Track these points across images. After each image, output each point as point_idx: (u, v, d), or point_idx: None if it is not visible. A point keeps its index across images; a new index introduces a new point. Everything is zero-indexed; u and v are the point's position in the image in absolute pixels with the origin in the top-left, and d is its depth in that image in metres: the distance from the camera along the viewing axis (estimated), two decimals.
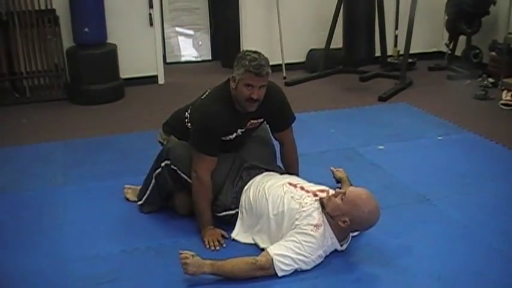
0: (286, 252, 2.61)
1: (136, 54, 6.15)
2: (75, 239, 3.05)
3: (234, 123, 3.02)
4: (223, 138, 3.01)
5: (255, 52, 2.92)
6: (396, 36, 6.90)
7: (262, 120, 3.13)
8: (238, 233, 2.99)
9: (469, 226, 3.12)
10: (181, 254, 2.58)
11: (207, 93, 3.12)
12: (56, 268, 2.77)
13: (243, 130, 3.08)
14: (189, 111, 3.19)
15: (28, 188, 3.69)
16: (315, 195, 2.81)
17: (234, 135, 3.06)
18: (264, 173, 3.13)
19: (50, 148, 4.42)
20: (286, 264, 2.60)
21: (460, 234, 3.06)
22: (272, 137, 3.32)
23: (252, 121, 3.07)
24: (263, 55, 2.91)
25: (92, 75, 5.64)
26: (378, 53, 6.54)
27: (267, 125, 3.25)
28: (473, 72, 6.17)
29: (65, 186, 3.72)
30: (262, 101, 2.95)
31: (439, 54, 7.00)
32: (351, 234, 2.84)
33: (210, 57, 7.58)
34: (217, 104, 2.96)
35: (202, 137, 2.95)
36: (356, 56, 6.17)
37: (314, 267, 2.67)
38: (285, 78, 6.29)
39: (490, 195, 3.49)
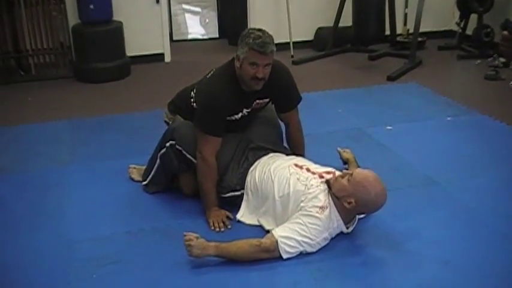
0: (291, 234, 2.58)
1: (143, 31, 6.09)
2: (79, 219, 3.03)
3: (239, 103, 2.97)
4: (228, 118, 2.97)
5: (259, 30, 2.86)
6: (406, 15, 6.82)
7: (268, 100, 3.09)
8: (243, 214, 2.97)
9: (478, 210, 3.08)
10: (185, 236, 2.56)
11: (211, 72, 3.07)
12: (60, 249, 2.76)
13: (249, 110, 3.04)
14: (194, 90, 3.15)
15: (33, 168, 3.67)
16: (321, 177, 2.78)
17: (240, 115, 3.02)
18: (270, 154, 3.09)
19: (55, 127, 4.40)
20: (291, 247, 2.58)
21: (468, 218, 3.01)
22: (278, 117, 3.27)
23: (257, 101, 3.03)
24: (267, 32, 2.85)
25: (97, 53, 5.61)
26: (387, 32, 6.45)
27: (273, 106, 3.20)
28: (484, 51, 6.09)
29: (70, 165, 3.71)
30: (269, 81, 2.90)
31: (449, 33, 6.91)
32: (357, 217, 2.81)
33: (217, 35, 7.51)
34: (222, 83, 2.92)
35: (207, 117, 2.91)
36: (366, 35, 6.04)
37: (319, 249, 2.65)
38: (292, 56, 6.24)
39: (499, 178, 3.45)
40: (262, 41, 2.77)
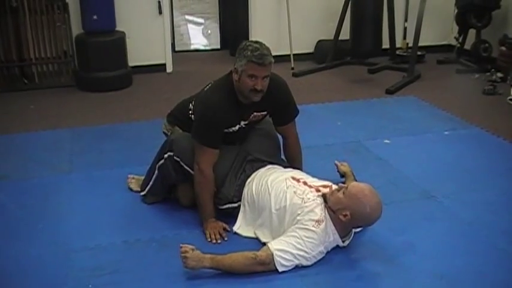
0: (287, 247, 2.60)
1: (145, 42, 6.13)
2: (78, 228, 3.06)
3: (236, 116, 3.00)
4: (226, 130, 3.00)
5: (257, 42, 2.89)
6: (405, 29, 6.85)
7: (265, 113, 3.12)
8: (240, 226, 2.99)
9: (474, 224, 3.09)
10: (181, 247, 2.57)
11: (209, 85, 3.10)
12: (57, 257, 2.78)
13: (246, 122, 3.06)
14: (193, 102, 3.18)
15: (33, 176, 3.70)
16: (318, 190, 2.80)
17: (237, 127, 3.04)
18: (268, 166, 3.11)
19: (56, 135, 4.43)
20: (287, 260, 2.59)
21: (464, 232, 3.03)
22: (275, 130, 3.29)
23: (255, 113, 3.06)
24: (265, 45, 2.87)
25: (100, 62, 5.64)
26: (386, 45, 6.50)
27: (270, 118, 3.22)
28: (482, 66, 6.12)
29: (70, 174, 3.73)
30: (267, 94, 2.93)
31: (448, 48, 6.96)
32: (354, 230, 2.83)
33: (219, 46, 7.55)
34: (219, 96, 2.94)
35: (204, 129, 2.94)
36: (363, 48, 6.08)
37: (315, 263, 2.66)
38: (292, 69, 6.27)
39: (496, 192, 3.46)
40: (260, 53, 2.80)
